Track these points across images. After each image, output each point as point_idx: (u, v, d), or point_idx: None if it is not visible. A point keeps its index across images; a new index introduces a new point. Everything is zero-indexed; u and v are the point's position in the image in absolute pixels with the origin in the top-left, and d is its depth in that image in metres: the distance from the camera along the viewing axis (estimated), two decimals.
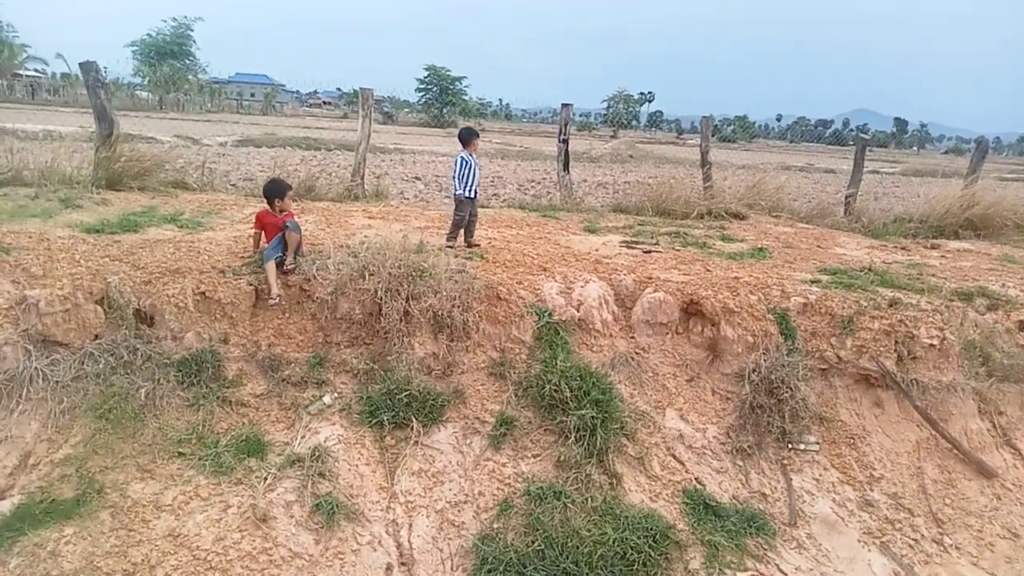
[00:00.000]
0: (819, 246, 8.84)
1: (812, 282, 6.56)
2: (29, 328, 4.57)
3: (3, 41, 54.52)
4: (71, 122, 22.47)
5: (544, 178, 17.61)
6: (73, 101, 46.76)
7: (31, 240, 5.56)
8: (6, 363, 4.44)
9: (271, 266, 5.36)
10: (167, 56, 56.98)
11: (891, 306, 6.07)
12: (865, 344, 5.77)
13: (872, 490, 5.31)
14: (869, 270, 7.19)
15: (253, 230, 5.73)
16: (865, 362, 5.75)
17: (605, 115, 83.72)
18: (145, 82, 58.68)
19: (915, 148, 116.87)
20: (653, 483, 5.00)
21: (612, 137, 59.19)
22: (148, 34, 57.28)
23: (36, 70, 62.09)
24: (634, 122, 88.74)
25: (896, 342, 5.80)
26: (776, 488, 5.20)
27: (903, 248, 9.37)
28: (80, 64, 8.77)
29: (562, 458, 4.88)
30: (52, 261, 5.12)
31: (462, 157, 6.65)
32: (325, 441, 4.71)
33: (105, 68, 9.49)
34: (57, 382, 4.49)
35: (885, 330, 5.80)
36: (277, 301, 5.35)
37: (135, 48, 57.34)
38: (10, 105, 39.02)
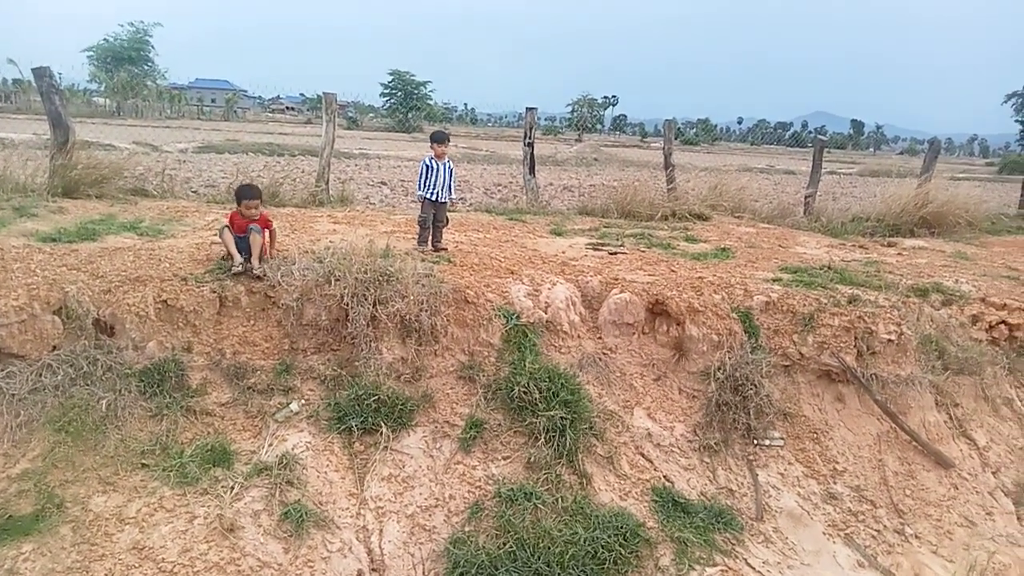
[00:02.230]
0: (780, 245, 9.01)
1: (774, 281, 6.69)
2: None
3: None
4: (24, 129, 21.90)
5: (510, 182, 17.64)
6: (26, 108, 45.50)
7: None
8: None
9: (226, 235, 5.44)
10: (124, 62, 55.85)
11: (850, 303, 6.22)
12: (826, 340, 5.90)
13: (835, 483, 5.43)
14: (829, 268, 7.35)
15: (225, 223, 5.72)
16: (826, 358, 5.88)
17: (570, 119, 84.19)
18: (102, 88, 57.39)
19: (871, 149, 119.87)
20: (622, 482, 5.04)
21: (577, 141, 59.55)
22: (105, 39, 56.16)
23: None
24: (598, 126, 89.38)
25: (856, 338, 5.94)
26: (743, 484, 5.29)
27: (861, 246, 9.61)
28: (33, 70, 8.54)
29: (532, 459, 4.90)
30: (6, 271, 4.97)
31: (423, 162, 6.71)
32: (293, 448, 4.66)
33: (59, 74, 9.28)
34: (13, 395, 4.36)
35: (845, 326, 5.94)
36: (241, 268, 5.32)
37: (91, 54, 56.15)
38: None
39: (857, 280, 6.96)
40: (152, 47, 58.23)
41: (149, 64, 58.81)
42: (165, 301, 5.04)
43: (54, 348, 4.65)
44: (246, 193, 5.67)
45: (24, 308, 4.56)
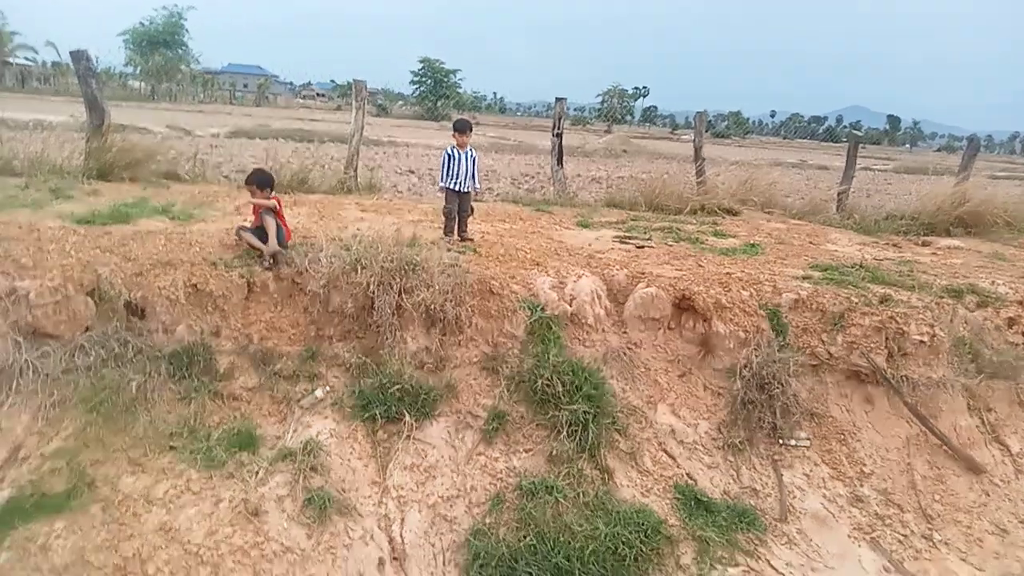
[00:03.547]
0: (811, 242, 8.86)
1: (804, 278, 6.58)
2: (19, 320, 4.54)
3: None
4: (62, 111, 22.21)
5: (538, 172, 17.60)
6: (63, 90, 46.39)
7: (21, 231, 5.51)
8: None
9: (244, 235, 5.58)
10: (159, 45, 56.54)
11: (882, 303, 6.10)
12: (856, 340, 5.80)
13: (862, 486, 5.34)
14: (860, 267, 7.21)
15: None
16: (856, 358, 5.78)
17: (599, 110, 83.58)
18: (137, 72, 58.25)
19: (907, 145, 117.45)
20: (645, 478, 5.01)
21: (606, 132, 59.09)
22: (140, 23, 56.90)
23: (26, 58, 61.42)
24: (628, 117, 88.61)
25: (887, 339, 5.83)
26: (767, 483, 5.23)
27: (894, 245, 9.40)
28: (71, 53, 8.66)
29: (554, 453, 4.89)
30: (42, 252, 5.07)
31: (445, 151, 6.70)
32: (317, 435, 4.71)
33: (96, 57, 9.42)
34: (47, 375, 4.45)
35: (876, 327, 5.83)
36: (271, 261, 5.41)
37: (127, 37, 56.93)
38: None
39: (889, 279, 6.82)
40: (187, 31, 58.86)
41: (183, 48, 59.48)
42: (195, 285, 5.10)
43: (87, 329, 4.74)
44: (247, 180, 5.84)
45: (59, 289, 4.64)
